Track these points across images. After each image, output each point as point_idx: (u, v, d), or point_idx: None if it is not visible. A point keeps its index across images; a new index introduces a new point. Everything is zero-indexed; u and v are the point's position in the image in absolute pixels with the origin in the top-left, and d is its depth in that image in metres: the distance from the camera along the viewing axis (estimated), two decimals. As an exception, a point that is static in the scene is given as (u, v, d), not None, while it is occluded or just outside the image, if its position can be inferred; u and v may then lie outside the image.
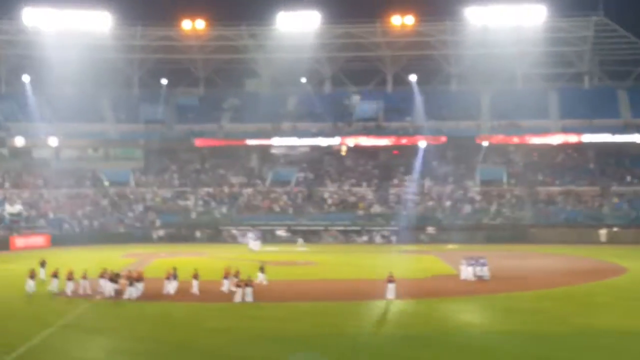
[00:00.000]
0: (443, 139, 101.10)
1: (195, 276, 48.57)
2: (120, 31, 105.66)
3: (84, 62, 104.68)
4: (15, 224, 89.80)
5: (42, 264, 54.03)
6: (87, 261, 56.31)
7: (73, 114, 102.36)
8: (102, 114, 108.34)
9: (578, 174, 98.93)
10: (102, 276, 48.45)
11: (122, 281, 47.55)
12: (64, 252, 76.71)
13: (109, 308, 44.56)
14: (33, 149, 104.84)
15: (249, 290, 45.68)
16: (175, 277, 48.56)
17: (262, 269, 52.41)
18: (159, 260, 69.06)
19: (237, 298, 45.49)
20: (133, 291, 46.54)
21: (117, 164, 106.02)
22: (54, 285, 48.75)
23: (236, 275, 47.88)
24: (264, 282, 51.20)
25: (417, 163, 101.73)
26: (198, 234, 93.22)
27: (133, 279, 47.21)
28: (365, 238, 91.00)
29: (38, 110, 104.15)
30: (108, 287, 47.47)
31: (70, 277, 48.42)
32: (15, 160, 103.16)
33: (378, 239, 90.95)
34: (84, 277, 48.71)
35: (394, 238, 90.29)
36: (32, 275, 48.97)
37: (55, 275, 49.18)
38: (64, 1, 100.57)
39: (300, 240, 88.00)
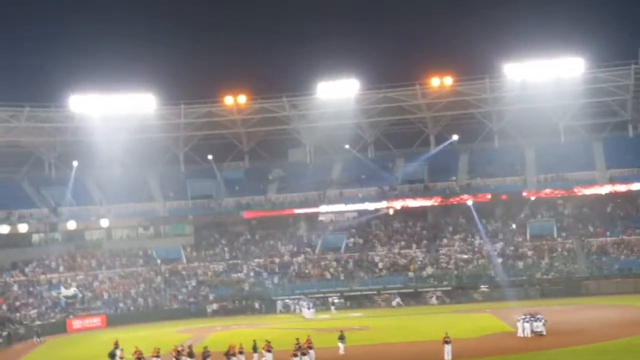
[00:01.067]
0: (488, 196, 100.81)
1: (268, 348, 48.44)
2: (164, 111, 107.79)
3: (131, 143, 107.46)
4: (71, 307, 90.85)
5: (117, 345, 53.64)
6: (143, 339, 56.57)
7: (122, 194, 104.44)
8: (151, 192, 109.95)
9: (629, 223, 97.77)
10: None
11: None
12: (120, 332, 77.38)
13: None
14: (85, 232, 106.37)
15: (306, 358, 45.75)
16: (269, 350, 48.67)
17: (341, 338, 51.40)
18: (216, 334, 69.35)
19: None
20: None
21: (168, 241, 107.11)
22: None
23: (309, 344, 47.63)
24: (342, 352, 50.52)
25: (466, 221, 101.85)
26: (252, 305, 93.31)
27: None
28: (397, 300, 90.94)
29: (88, 193, 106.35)
30: None
31: (140, 357, 48.48)
32: (68, 244, 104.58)
33: (433, 300, 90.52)
34: (157, 356, 48.82)
35: (447, 299, 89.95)
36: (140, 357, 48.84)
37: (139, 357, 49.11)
38: (109, 87, 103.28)
39: (332, 308, 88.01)
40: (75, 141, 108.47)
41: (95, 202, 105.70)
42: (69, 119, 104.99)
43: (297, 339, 48.70)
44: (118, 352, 52.25)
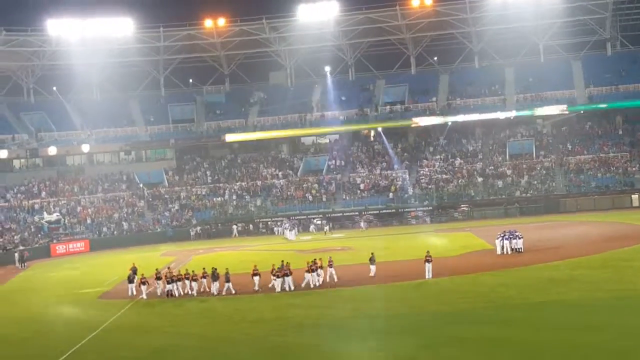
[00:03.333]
0: (469, 116, 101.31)
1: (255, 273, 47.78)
2: (142, 34, 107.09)
3: (110, 67, 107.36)
4: (54, 232, 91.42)
5: (134, 269, 52.08)
6: (128, 263, 56.99)
7: (103, 119, 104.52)
8: (132, 117, 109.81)
9: (606, 141, 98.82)
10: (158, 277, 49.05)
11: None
12: (104, 256, 78.36)
13: (151, 307, 45.38)
14: (67, 157, 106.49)
15: (288, 279, 46.44)
16: (288, 273, 47.15)
17: (371, 260, 49.96)
18: (197, 256, 70.15)
19: (278, 288, 46.29)
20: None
21: (150, 165, 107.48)
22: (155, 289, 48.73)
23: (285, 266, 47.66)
24: (372, 274, 49.19)
25: (447, 142, 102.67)
26: (234, 228, 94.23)
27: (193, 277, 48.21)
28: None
29: (69, 118, 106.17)
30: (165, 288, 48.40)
31: (144, 281, 48.37)
32: (49, 169, 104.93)
33: (411, 220, 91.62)
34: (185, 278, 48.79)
35: (427, 218, 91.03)
36: (144, 281, 48.28)
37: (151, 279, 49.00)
38: (86, 10, 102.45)
39: (320, 224, 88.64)
40: (53, 66, 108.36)
41: (76, 127, 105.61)
42: (46, 42, 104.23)
43: (314, 259, 48.55)
44: (136, 277, 50.31)
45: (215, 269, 48.22)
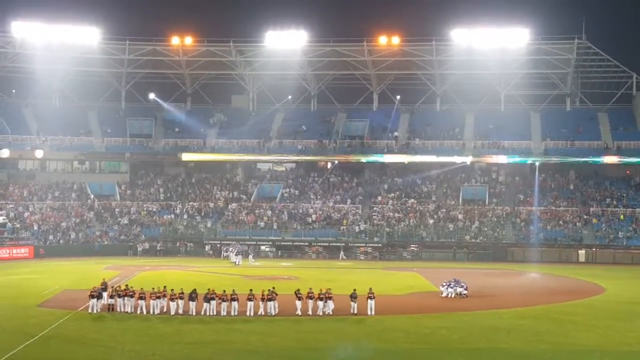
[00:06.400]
0: (431, 158, 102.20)
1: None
2: (108, 46, 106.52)
3: (72, 75, 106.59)
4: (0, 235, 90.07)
5: (104, 285, 49.79)
6: (70, 273, 56.28)
7: (60, 126, 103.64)
8: (89, 127, 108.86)
9: (558, 195, 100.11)
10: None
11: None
12: (47, 264, 77.18)
13: (91, 321, 44.70)
14: (19, 161, 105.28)
15: (235, 304, 46.21)
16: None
17: (352, 296, 47.86)
18: (144, 273, 69.45)
19: (222, 312, 45.98)
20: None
21: (103, 177, 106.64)
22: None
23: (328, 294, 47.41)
24: (354, 311, 47.17)
25: (402, 181, 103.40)
26: (182, 247, 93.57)
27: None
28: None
29: (25, 122, 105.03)
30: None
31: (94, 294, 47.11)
32: (0, 172, 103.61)
33: (360, 255, 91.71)
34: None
35: (376, 255, 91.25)
36: (94, 294, 47.00)
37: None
38: (52, 15, 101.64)
39: (251, 257, 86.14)
40: (14, 68, 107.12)
41: (31, 132, 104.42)
42: (9, 44, 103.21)
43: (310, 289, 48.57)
44: (105, 293, 48.26)
45: (195, 290, 47.35)
